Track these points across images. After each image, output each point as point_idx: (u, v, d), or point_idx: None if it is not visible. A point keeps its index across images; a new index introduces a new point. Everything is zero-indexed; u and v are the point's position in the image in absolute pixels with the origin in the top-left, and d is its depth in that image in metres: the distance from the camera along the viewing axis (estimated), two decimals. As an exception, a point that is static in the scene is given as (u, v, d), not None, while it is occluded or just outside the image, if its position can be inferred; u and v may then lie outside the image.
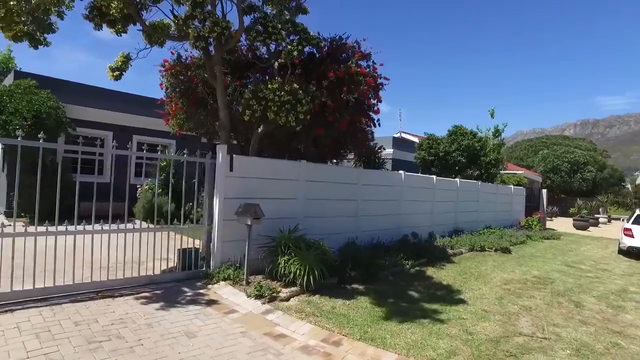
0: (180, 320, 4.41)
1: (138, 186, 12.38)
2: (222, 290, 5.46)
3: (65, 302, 4.63)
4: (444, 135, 16.88)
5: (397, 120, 35.33)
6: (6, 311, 4.23)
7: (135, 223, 5.59)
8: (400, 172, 10.16)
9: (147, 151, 6.16)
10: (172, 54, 7.57)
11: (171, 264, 6.18)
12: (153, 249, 5.70)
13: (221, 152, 6.10)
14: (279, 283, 5.68)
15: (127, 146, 5.72)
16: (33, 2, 4.55)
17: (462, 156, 15.81)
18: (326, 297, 5.53)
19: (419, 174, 12.53)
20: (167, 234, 6.06)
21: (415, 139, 24.94)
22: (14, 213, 4.92)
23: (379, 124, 8.24)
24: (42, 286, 4.75)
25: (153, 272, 5.71)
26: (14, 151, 6.98)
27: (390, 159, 18.47)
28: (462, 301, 5.96)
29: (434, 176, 11.87)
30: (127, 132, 13.35)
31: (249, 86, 7.43)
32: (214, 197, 6.12)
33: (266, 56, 7.57)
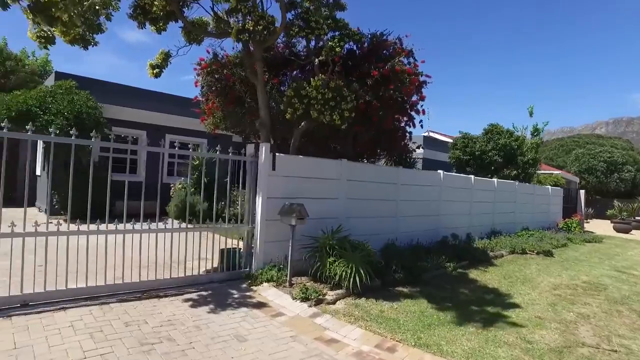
0: (228, 322, 4.32)
1: (171, 185, 12.51)
2: (267, 292, 5.35)
3: (113, 302, 4.62)
4: (480, 133, 16.36)
5: (425, 119, 34.54)
6: (59, 309, 4.24)
7: (173, 223, 5.52)
8: (439, 171, 9.85)
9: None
10: (208, 52, 7.54)
11: (210, 264, 6.09)
12: (193, 249, 5.63)
13: (264, 150, 5.97)
14: (323, 285, 5.52)
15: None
16: (86, 4, 4.56)
17: (499, 155, 15.26)
18: (373, 300, 5.34)
19: (457, 174, 12.17)
20: (206, 234, 5.99)
21: (444, 138, 24.40)
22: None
23: (422, 126, 8.01)
24: (85, 285, 4.71)
25: (192, 273, 5.64)
26: (61, 150, 7.07)
27: (420, 158, 18.09)
28: (513, 306, 5.67)
29: (472, 176, 11.50)
30: (161, 131, 13.46)
31: (288, 84, 7.32)
32: (257, 197, 5.99)
33: (304, 53, 7.44)
